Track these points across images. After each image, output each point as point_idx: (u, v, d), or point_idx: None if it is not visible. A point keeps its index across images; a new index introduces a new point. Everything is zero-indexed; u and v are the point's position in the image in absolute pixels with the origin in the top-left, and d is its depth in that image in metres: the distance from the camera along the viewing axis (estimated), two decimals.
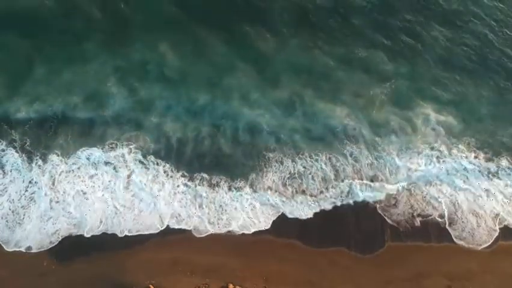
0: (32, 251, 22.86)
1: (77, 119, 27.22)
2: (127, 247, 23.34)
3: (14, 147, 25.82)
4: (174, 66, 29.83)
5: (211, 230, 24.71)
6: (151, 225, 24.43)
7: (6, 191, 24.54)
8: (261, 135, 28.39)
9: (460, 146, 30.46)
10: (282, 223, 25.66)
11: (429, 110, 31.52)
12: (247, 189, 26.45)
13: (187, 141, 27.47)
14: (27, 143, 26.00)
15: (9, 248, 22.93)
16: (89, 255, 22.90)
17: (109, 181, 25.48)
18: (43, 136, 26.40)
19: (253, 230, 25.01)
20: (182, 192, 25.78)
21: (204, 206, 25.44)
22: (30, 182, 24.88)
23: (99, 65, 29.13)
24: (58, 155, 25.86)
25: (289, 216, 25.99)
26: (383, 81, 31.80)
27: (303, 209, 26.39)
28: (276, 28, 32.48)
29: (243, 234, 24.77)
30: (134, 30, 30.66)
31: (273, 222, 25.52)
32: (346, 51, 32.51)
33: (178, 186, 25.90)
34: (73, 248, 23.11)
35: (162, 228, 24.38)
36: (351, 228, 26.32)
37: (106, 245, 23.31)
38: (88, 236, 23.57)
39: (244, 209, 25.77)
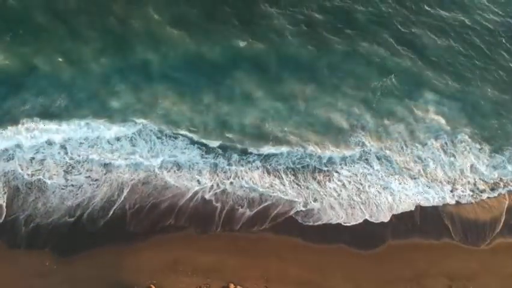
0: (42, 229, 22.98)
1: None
2: (129, 246, 23.28)
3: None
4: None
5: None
6: (180, 192, 25.20)
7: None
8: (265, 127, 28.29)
9: (464, 137, 30.57)
10: (283, 221, 25.68)
11: (432, 103, 31.46)
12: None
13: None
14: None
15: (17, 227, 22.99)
16: (90, 255, 22.82)
17: (130, 152, 25.59)
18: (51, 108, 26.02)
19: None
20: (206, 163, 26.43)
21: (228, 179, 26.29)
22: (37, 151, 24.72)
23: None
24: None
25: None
26: (384, 75, 31.48)
27: None
28: (279, 26, 31.81)
29: (244, 232, 24.77)
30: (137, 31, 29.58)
31: (273, 220, 25.52)
32: (347, 47, 32.00)
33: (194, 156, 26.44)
34: (74, 248, 23.03)
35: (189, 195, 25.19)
36: (352, 225, 26.41)
37: (107, 244, 23.24)
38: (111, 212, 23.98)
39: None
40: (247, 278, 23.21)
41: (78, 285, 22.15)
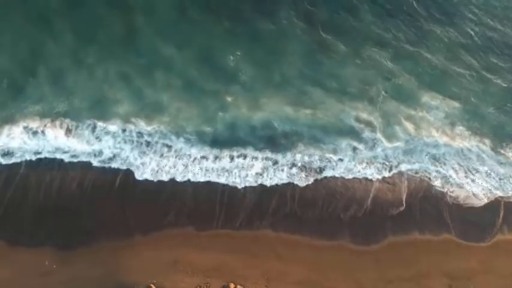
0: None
1: None
2: (129, 246, 23.19)
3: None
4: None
5: None
6: None
7: None
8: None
9: (465, 132, 30.73)
10: (283, 218, 25.61)
11: (435, 101, 31.47)
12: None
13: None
14: None
15: None
16: (90, 255, 22.75)
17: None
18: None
19: None
20: None
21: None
22: None
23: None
24: None
25: None
26: (387, 78, 31.43)
27: None
28: (282, 27, 31.27)
29: (244, 231, 24.68)
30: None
31: (273, 219, 25.43)
32: (351, 49, 31.62)
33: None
34: (74, 247, 22.92)
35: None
36: (351, 221, 26.38)
37: (107, 244, 23.12)
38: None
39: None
40: (248, 277, 23.22)
41: (78, 285, 22.10)
